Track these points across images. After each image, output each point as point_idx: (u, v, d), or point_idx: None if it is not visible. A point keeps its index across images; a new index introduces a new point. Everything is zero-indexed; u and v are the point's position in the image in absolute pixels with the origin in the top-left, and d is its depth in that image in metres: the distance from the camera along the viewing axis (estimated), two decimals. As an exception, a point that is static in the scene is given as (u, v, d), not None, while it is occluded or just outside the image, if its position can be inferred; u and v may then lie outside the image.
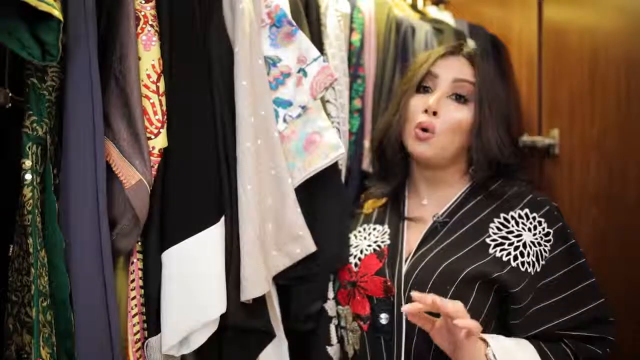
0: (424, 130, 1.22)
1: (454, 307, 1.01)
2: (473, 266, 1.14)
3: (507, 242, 1.16)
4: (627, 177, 1.85)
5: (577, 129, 2.01)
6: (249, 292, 1.08)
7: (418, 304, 1.02)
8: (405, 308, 1.03)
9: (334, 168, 1.29)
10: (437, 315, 1.07)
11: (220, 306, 1.03)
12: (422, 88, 1.27)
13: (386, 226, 1.31)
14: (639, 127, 1.83)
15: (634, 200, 1.82)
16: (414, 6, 1.95)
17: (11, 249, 0.92)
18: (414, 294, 1.03)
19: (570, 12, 2.09)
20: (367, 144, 1.49)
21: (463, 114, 1.22)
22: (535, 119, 2.15)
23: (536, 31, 2.15)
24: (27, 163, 0.88)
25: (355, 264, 1.27)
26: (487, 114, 1.21)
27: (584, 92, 1.99)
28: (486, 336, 1.10)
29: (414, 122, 1.24)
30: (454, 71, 1.25)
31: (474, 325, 1.01)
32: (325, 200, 1.29)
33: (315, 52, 1.22)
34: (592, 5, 2.00)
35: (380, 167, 1.37)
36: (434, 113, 1.22)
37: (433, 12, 2.05)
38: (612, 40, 1.91)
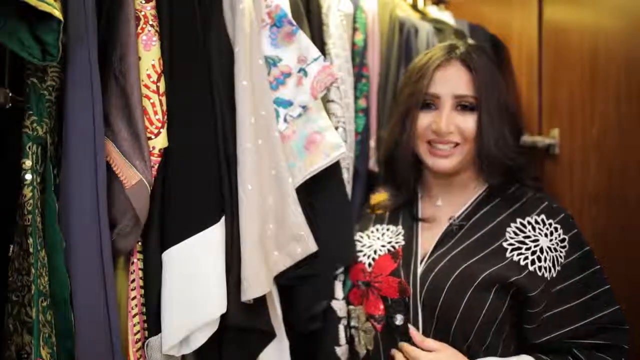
0: (441, 145, 1.23)
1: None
2: (491, 270, 1.14)
3: (525, 246, 1.17)
4: (627, 177, 1.85)
5: (577, 128, 2.01)
6: (249, 292, 1.08)
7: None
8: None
9: (335, 167, 1.29)
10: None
11: (220, 306, 1.03)
12: (426, 105, 1.26)
13: (400, 227, 1.31)
14: (639, 127, 1.83)
15: (634, 200, 1.82)
16: (414, 6, 1.95)
17: (11, 249, 0.92)
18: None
19: (570, 12, 2.09)
20: (372, 143, 1.49)
21: (471, 122, 1.22)
22: (535, 118, 2.15)
23: (536, 31, 2.15)
24: (27, 163, 0.87)
25: (369, 264, 1.27)
26: (487, 120, 1.21)
27: (584, 91, 1.99)
28: None
29: (426, 139, 1.25)
30: (453, 86, 1.24)
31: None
32: (327, 199, 1.28)
33: (315, 51, 1.22)
34: (592, 5, 2.00)
35: (392, 178, 1.36)
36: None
37: (433, 12, 2.05)
38: (612, 39, 1.91)
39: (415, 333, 1.17)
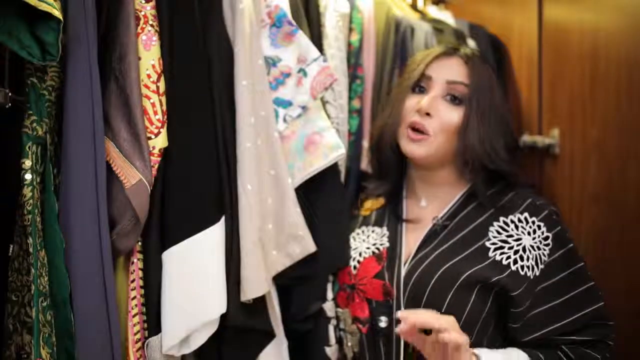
0: (417, 130, 1.22)
1: (440, 322, 1.00)
2: (473, 269, 1.14)
3: (507, 245, 1.16)
4: (627, 177, 1.85)
5: (578, 128, 2.01)
6: (249, 292, 1.08)
7: (410, 320, 1.00)
8: (399, 329, 1.02)
9: (334, 168, 1.29)
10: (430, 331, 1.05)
11: (220, 306, 1.03)
12: (418, 88, 1.26)
13: (385, 228, 1.31)
14: (639, 127, 1.83)
15: (633, 200, 1.82)
16: (413, 6, 1.95)
17: (11, 249, 0.91)
18: (400, 313, 1.02)
19: (570, 12, 2.09)
20: (365, 144, 1.48)
21: (456, 116, 1.21)
22: (535, 118, 2.15)
23: (536, 31, 2.15)
24: (27, 163, 0.87)
25: (355, 267, 1.27)
26: (475, 118, 1.20)
27: (584, 91, 1.99)
28: (478, 351, 1.09)
29: (407, 121, 1.24)
30: (448, 73, 1.24)
31: (459, 339, 1.00)
32: (325, 200, 1.28)
33: (315, 52, 1.22)
34: (593, 4, 2.00)
35: (377, 167, 1.36)
36: (427, 114, 1.21)
37: (433, 11, 2.05)
38: (612, 39, 1.91)
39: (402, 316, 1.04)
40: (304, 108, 1.22)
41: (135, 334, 1.00)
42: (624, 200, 1.85)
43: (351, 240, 1.33)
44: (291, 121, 1.22)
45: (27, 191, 0.87)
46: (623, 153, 1.86)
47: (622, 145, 1.87)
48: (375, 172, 1.38)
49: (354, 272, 1.27)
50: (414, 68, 1.28)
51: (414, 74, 1.26)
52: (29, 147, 0.88)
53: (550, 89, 2.11)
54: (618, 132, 1.88)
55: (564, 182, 2.05)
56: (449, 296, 1.13)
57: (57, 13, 0.82)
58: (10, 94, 0.92)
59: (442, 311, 1.13)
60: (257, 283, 1.09)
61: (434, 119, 1.21)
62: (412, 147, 1.23)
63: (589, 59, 1.97)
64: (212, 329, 1.04)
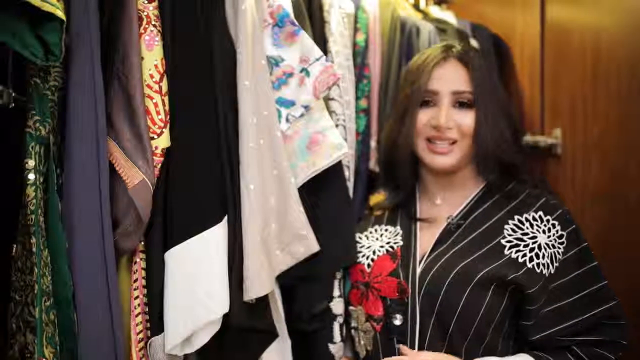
0: (440, 142, 1.23)
1: None
2: (489, 268, 1.15)
3: (523, 243, 1.17)
4: (629, 177, 1.85)
5: (579, 128, 2.01)
6: (252, 292, 1.08)
7: None
8: None
9: (337, 167, 1.29)
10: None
11: (223, 306, 1.03)
12: (424, 102, 1.27)
13: (398, 227, 1.31)
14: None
15: (635, 200, 1.82)
16: (416, 6, 1.95)
17: (14, 249, 0.92)
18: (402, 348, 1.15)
19: (572, 12, 2.09)
20: (373, 143, 1.49)
21: (469, 118, 1.23)
22: (537, 118, 2.15)
23: (538, 31, 2.16)
24: (30, 163, 0.88)
25: (368, 265, 1.27)
26: (483, 114, 1.22)
27: (585, 91, 1.99)
28: None
29: (425, 136, 1.25)
30: (451, 83, 1.24)
31: None
32: (329, 199, 1.28)
33: (317, 51, 1.22)
34: (594, 5, 2.00)
35: (391, 177, 1.36)
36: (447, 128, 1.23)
37: (435, 11, 2.05)
38: (614, 39, 1.91)
39: (407, 350, 1.17)
40: (306, 108, 1.22)
41: (138, 333, 1.00)
42: (626, 199, 1.85)
43: (363, 239, 1.33)
44: (294, 121, 1.22)
45: (30, 191, 0.87)
46: (625, 152, 1.86)
47: (623, 145, 1.87)
48: (387, 181, 1.38)
49: (367, 270, 1.27)
50: (413, 80, 1.27)
51: (418, 89, 1.26)
52: (32, 147, 0.88)
53: (552, 88, 2.11)
54: (619, 131, 1.88)
55: (566, 182, 2.05)
56: (466, 294, 1.14)
57: (60, 13, 0.82)
58: (13, 94, 0.92)
59: (458, 309, 1.14)
60: (259, 283, 1.09)
61: (452, 129, 1.23)
62: (438, 160, 1.24)
63: (590, 59, 1.97)
64: (215, 328, 1.04)
